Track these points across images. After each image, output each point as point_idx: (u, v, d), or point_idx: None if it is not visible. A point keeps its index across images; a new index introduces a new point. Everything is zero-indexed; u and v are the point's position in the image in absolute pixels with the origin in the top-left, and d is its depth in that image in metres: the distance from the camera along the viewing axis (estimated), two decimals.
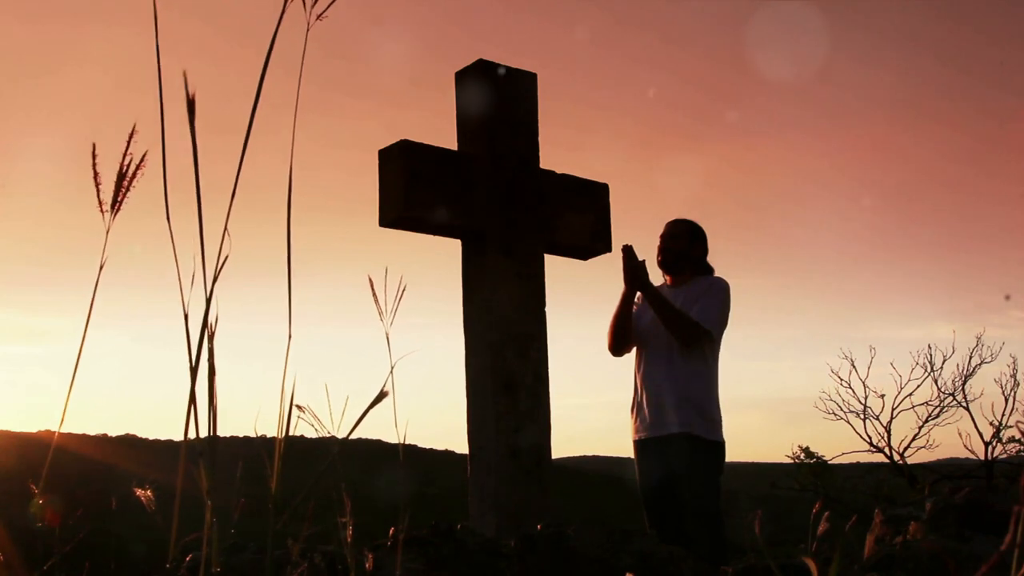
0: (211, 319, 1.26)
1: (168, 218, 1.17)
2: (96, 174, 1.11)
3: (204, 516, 1.34)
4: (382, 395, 1.39)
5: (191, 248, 1.27)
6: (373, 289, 1.59)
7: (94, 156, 1.10)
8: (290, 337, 1.33)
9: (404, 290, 1.61)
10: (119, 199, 1.12)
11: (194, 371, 1.25)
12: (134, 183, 1.13)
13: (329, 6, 1.32)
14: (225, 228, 1.22)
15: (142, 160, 1.12)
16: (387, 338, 1.59)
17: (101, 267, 1.15)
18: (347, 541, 1.73)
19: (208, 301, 1.24)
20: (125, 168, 1.12)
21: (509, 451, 3.73)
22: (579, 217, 4.20)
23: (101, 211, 1.13)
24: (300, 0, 1.31)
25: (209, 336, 1.25)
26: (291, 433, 1.45)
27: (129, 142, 1.12)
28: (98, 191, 1.12)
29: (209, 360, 1.27)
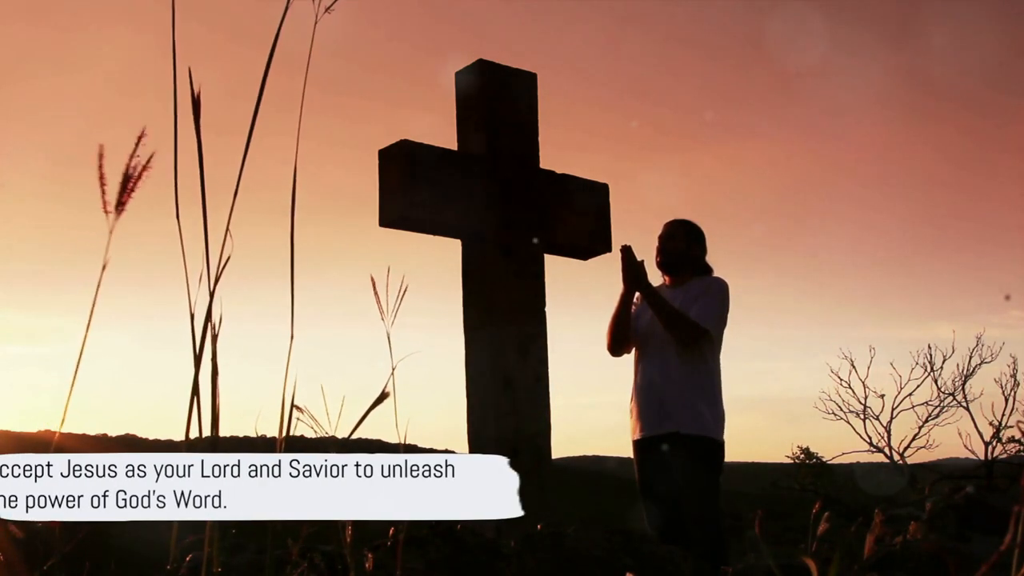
0: (215, 319, 1.26)
1: (178, 217, 1.17)
2: (102, 175, 1.11)
3: None
4: (383, 396, 1.39)
5: (193, 248, 1.27)
6: (375, 289, 1.59)
7: (100, 157, 1.10)
8: (292, 337, 1.33)
9: (406, 290, 1.61)
10: (124, 200, 1.12)
11: (197, 371, 1.25)
12: (139, 184, 1.13)
13: (335, 0, 1.32)
14: (227, 229, 1.22)
15: (148, 161, 1.12)
16: (388, 338, 1.59)
17: (104, 267, 1.15)
18: (347, 541, 1.72)
19: (211, 301, 1.24)
20: (131, 169, 1.11)
21: (509, 451, 3.72)
22: (579, 217, 4.20)
23: (105, 212, 1.13)
24: None
25: (213, 336, 1.25)
26: (291, 433, 1.45)
27: (138, 144, 1.12)
28: (103, 192, 1.12)
29: (212, 360, 1.27)
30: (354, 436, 1.54)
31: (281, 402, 1.36)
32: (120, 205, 1.11)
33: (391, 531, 2.49)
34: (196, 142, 1.23)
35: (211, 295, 1.24)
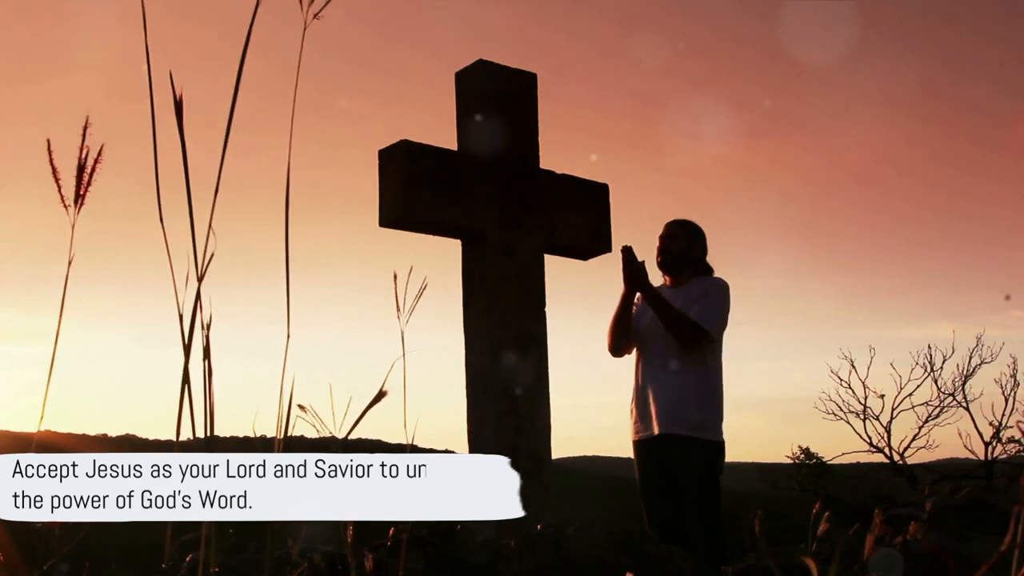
0: (205, 318, 1.26)
1: (161, 220, 1.17)
2: (54, 170, 1.10)
3: None
4: (381, 395, 1.39)
5: (186, 246, 1.27)
6: (396, 285, 1.59)
7: (50, 151, 1.09)
8: (288, 336, 1.33)
9: (425, 288, 1.61)
10: (81, 194, 1.12)
11: (186, 370, 1.25)
12: (95, 177, 1.13)
13: (325, 5, 1.32)
14: (209, 226, 1.22)
15: (99, 153, 1.11)
16: (402, 336, 1.59)
17: (69, 263, 1.15)
18: (347, 541, 1.72)
19: (196, 300, 1.24)
20: (83, 161, 1.11)
21: (509, 451, 3.72)
22: (579, 217, 4.19)
23: (64, 206, 1.13)
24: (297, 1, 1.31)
25: (205, 336, 1.25)
26: (291, 433, 1.45)
27: (84, 135, 1.11)
28: (59, 186, 1.11)
29: (206, 359, 1.27)
30: (355, 436, 1.54)
31: (279, 401, 1.36)
32: (78, 199, 1.11)
33: (391, 531, 2.49)
34: (180, 145, 1.22)
35: (198, 293, 1.24)
